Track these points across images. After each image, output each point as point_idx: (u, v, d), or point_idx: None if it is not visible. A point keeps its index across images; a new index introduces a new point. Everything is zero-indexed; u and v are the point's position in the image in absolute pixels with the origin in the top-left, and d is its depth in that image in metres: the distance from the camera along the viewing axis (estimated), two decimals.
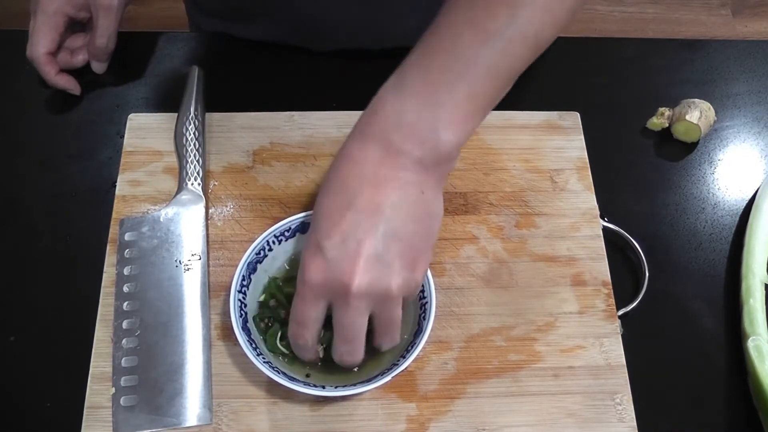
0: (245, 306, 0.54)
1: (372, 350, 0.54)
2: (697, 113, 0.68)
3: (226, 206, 0.63)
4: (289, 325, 0.51)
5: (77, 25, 0.71)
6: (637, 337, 0.59)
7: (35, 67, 0.68)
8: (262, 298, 0.56)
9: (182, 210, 0.61)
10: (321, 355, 0.53)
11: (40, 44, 0.67)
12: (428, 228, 0.49)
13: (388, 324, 0.50)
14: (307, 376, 0.53)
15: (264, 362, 0.50)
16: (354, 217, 0.47)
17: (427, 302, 0.54)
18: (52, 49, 0.68)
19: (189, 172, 0.63)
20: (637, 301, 0.60)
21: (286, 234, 0.56)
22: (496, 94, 0.49)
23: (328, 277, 0.47)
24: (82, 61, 0.70)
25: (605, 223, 0.63)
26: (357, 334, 0.49)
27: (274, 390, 0.54)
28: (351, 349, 0.49)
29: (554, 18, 0.49)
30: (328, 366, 0.53)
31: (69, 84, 0.69)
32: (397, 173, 0.47)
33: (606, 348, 0.57)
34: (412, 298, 0.52)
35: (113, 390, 0.54)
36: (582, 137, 0.68)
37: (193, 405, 0.54)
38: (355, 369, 0.53)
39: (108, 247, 0.60)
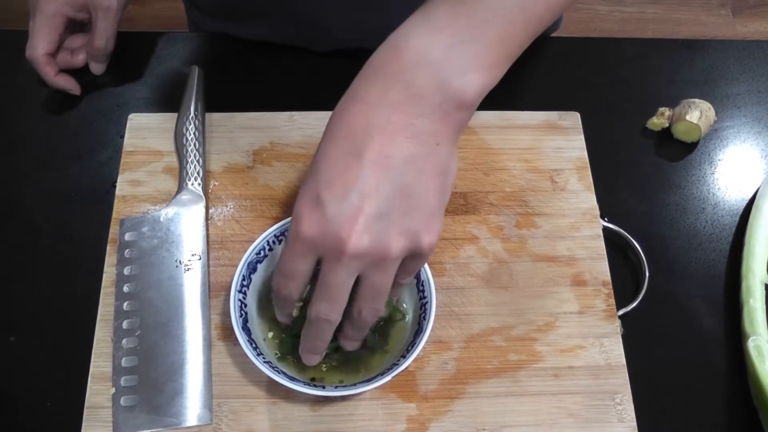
0: (245, 306, 0.54)
1: (371, 350, 0.54)
2: (697, 113, 0.68)
3: (226, 206, 0.63)
4: (274, 276, 0.48)
5: (77, 25, 0.71)
6: (637, 337, 0.59)
7: (35, 68, 0.68)
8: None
9: (182, 210, 0.61)
10: (295, 314, 0.52)
11: (39, 45, 0.67)
12: (441, 185, 0.45)
13: (376, 290, 0.46)
14: (312, 379, 0.53)
15: (264, 362, 0.50)
16: (360, 169, 0.42)
17: (427, 302, 0.54)
18: (51, 50, 0.68)
19: (189, 172, 0.63)
20: (637, 301, 0.60)
21: (286, 234, 0.56)
22: (527, 41, 0.46)
23: (324, 232, 0.43)
24: (82, 61, 0.70)
25: (605, 223, 0.63)
26: (341, 296, 0.45)
27: (274, 390, 0.54)
28: (330, 309, 0.46)
29: None
30: (333, 369, 0.53)
31: (69, 84, 0.69)
32: (412, 120, 0.43)
33: (606, 348, 0.57)
34: (420, 266, 0.48)
35: (113, 390, 0.54)
36: (582, 137, 0.68)
37: (193, 405, 0.54)
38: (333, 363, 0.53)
39: (108, 247, 0.60)
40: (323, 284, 0.45)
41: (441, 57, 0.43)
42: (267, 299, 0.55)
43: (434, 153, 0.44)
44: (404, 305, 0.56)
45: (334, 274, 0.44)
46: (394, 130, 0.43)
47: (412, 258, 0.46)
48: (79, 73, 0.70)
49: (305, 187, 0.45)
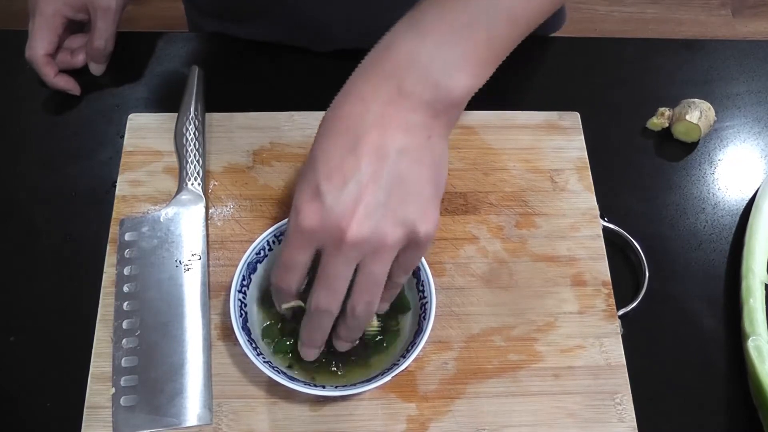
0: (245, 306, 0.54)
1: (370, 352, 0.54)
2: (697, 113, 0.68)
3: (226, 206, 0.63)
4: (274, 268, 0.49)
5: (77, 25, 0.71)
6: (637, 337, 0.59)
7: (34, 69, 0.68)
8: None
9: (182, 210, 0.61)
10: (297, 305, 0.52)
11: (39, 46, 0.67)
12: (435, 175, 0.46)
13: (369, 281, 0.46)
14: (313, 378, 0.53)
15: (264, 362, 0.50)
16: (356, 161, 0.44)
17: (427, 302, 0.54)
18: (50, 51, 0.68)
19: (189, 172, 0.63)
20: (637, 301, 0.60)
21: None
22: (513, 42, 0.48)
23: (324, 222, 0.44)
24: (82, 62, 0.70)
25: (605, 223, 0.63)
26: (341, 285, 0.46)
27: (274, 390, 0.54)
28: (330, 298, 0.46)
29: None
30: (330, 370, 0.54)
31: (68, 85, 0.69)
32: (405, 115, 0.45)
33: (606, 348, 0.57)
34: (419, 257, 0.48)
35: (113, 390, 0.54)
36: (582, 137, 0.68)
37: (193, 405, 0.54)
38: (341, 368, 0.53)
39: (108, 247, 0.60)
40: (323, 274, 0.46)
41: (428, 59, 0.45)
42: (268, 299, 0.55)
43: (427, 145, 0.46)
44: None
45: (334, 263, 0.45)
46: (387, 123, 0.45)
47: (409, 249, 0.47)
48: (79, 73, 0.70)
49: (303, 180, 0.46)
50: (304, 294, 0.50)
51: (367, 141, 0.44)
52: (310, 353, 0.51)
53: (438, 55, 0.45)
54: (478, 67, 0.46)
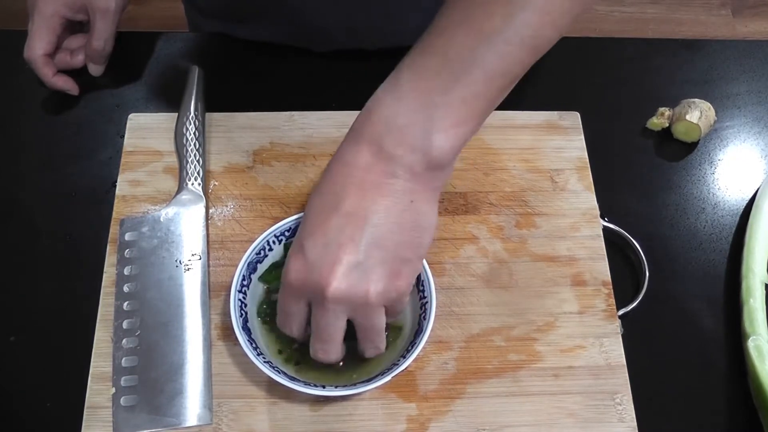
0: (245, 306, 0.54)
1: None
2: (697, 113, 0.68)
3: (226, 206, 0.63)
4: (278, 310, 0.51)
5: (76, 25, 0.71)
6: (637, 337, 0.59)
7: (33, 69, 0.68)
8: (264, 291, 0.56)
9: (182, 210, 0.61)
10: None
11: (37, 46, 0.67)
12: (415, 238, 0.48)
13: (368, 331, 0.50)
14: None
15: (264, 362, 0.50)
16: (338, 221, 0.46)
17: (427, 302, 0.54)
18: (49, 51, 0.68)
19: (189, 172, 0.63)
20: (637, 301, 0.60)
21: (286, 234, 0.56)
22: (493, 97, 0.48)
23: (306, 278, 0.47)
24: (81, 62, 0.70)
25: (605, 223, 0.63)
26: (332, 336, 0.49)
27: (274, 390, 0.54)
28: (326, 348, 0.50)
29: (553, 20, 0.47)
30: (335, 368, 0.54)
31: (67, 85, 0.69)
32: (386, 180, 0.47)
33: (606, 348, 0.57)
34: (399, 308, 0.51)
35: (113, 390, 0.54)
36: (582, 137, 0.68)
37: (193, 405, 0.54)
38: (341, 363, 0.53)
39: (108, 247, 0.60)
40: (315, 327, 0.49)
41: (406, 123, 0.46)
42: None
43: (409, 209, 0.47)
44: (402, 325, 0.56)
45: (322, 316, 0.48)
46: (369, 187, 0.47)
47: (391, 303, 0.49)
48: (79, 73, 0.70)
49: (296, 236, 0.49)
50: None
51: (348, 203, 0.46)
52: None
53: (414, 120, 0.46)
54: (455, 127, 0.47)
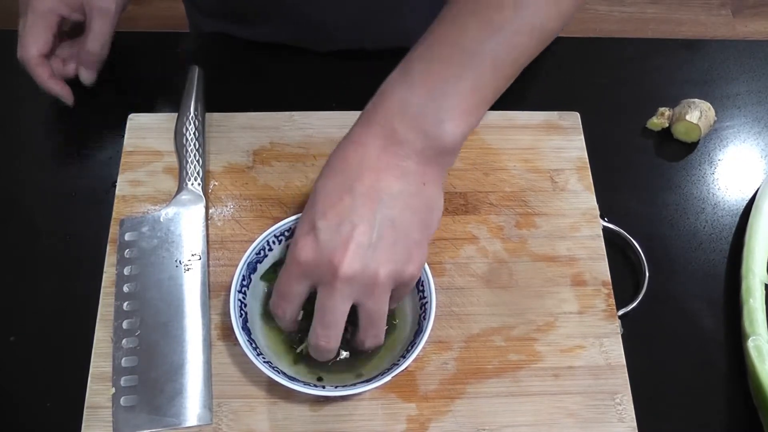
0: (245, 306, 0.54)
1: (367, 351, 0.54)
2: (697, 113, 0.68)
3: (226, 206, 0.63)
4: (273, 293, 0.51)
5: (70, 33, 0.68)
6: (637, 337, 0.59)
7: (27, 70, 0.65)
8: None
9: (182, 210, 0.61)
10: (296, 328, 0.53)
11: (32, 44, 0.63)
12: (426, 220, 0.49)
13: (372, 317, 0.49)
14: (319, 379, 0.53)
15: (264, 362, 0.50)
16: (352, 201, 0.46)
17: (427, 302, 0.54)
18: (44, 51, 0.64)
19: (189, 172, 0.63)
20: (637, 301, 0.60)
21: (286, 234, 0.56)
22: (501, 86, 0.49)
23: (318, 257, 0.46)
24: (74, 71, 0.67)
25: (605, 223, 0.63)
26: (336, 320, 0.48)
27: (274, 390, 0.54)
28: (328, 333, 0.49)
29: (559, 10, 0.49)
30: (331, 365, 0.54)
31: (63, 91, 0.66)
32: (399, 162, 0.47)
33: (606, 348, 0.57)
34: (406, 293, 0.51)
35: (113, 390, 0.54)
36: (582, 137, 0.68)
37: (193, 405, 0.54)
38: (342, 355, 0.54)
39: (108, 247, 0.60)
40: (320, 309, 0.48)
41: (418, 110, 0.47)
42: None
43: (421, 192, 0.48)
44: (397, 320, 0.56)
45: (329, 298, 0.47)
46: (383, 168, 0.47)
47: (397, 287, 0.49)
48: (76, 80, 0.69)
49: (304, 215, 0.49)
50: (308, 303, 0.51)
51: (362, 183, 0.47)
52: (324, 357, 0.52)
53: (427, 107, 0.47)
54: (466, 115, 0.48)
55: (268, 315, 0.55)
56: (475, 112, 0.49)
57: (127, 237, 0.60)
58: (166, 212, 0.61)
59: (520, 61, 0.49)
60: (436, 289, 0.54)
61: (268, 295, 0.56)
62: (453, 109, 0.47)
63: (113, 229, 0.61)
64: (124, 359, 0.55)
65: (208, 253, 0.60)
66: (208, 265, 0.60)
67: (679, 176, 0.69)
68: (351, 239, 0.46)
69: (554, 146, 0.67)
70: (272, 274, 0.56)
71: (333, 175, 0.48)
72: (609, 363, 0.57)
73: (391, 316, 0.56)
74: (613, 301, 0.60)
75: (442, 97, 0.47)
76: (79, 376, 0.55)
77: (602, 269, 0.61)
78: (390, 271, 0.47)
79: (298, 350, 0.54)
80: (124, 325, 0.56)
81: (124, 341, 0.56)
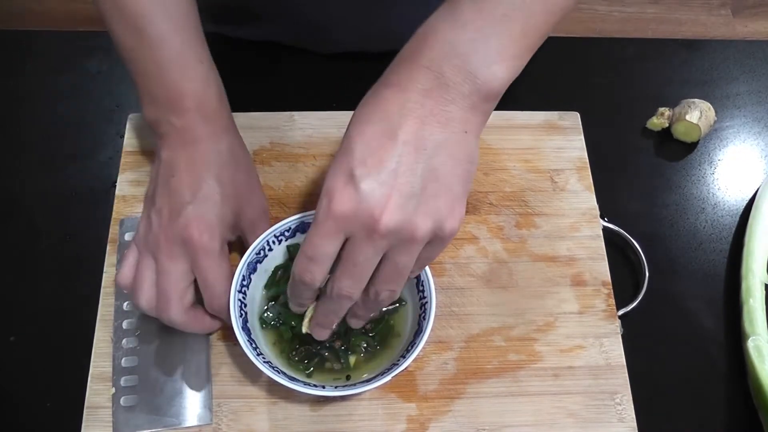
0: (245, 306, 0.54)
1: (369, 350, 0.54)
2: (697, 113, 0.68)
3: None
4: (297, 259, 0.46)
5: None
6: (637, 337, 0.59)
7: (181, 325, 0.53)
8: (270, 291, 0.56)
9: None
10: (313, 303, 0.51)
11: (224, 296, 0.53)
12: (468, 172, 0.46)
13: (400, 271, 0.46)
14: (308, 376, 0.53)
15: (264, 362, 0.50)
16: (394, 148, 0.43)
17: (427, 302, 0.54)
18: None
19: None
20: (637, 301, 0.60)
21: (286, 234, 0.56)
22: (546, 32, 0.47)
23: (357, 209, 0.43)
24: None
25: (605, 223, 0.63)
26: (366, 274, 0.46)
27: (274, 390, 0.54)
28: (353, 285, 0.46)
29: None
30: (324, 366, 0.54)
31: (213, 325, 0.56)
32: (444, 107, 0.44)
33: (606, 348, 0.57)
34: (439, 252, 0.48)
35: (113, 390, 0.54)
36: (582, 137, 0.68)
37: (193, 405, 0.54)
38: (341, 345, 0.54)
39: (108, 247, 0.60)
40: (349, 261, 0.45)
41: (467, 50, 0.44)
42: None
43: (463, 140, 0.45)
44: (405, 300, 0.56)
45: (363, 251, 0.44)
46: (427, 114, 0.44)
47: (432, 243, 0.46)
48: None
49: (337, 165, 0.44)
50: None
51: (405, 130, 0.43)
52: (322, 334, 0.51)
53: (477, 47, 0.44)
54: (514, 59, 0.46)
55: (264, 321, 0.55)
56: (521, 57, 0.46)
57: (127, 237, 0.60)
58: None
59: (566, 8, 0.47)
60: (436, 289, 0.54)
61: (266, 301, 0.56)
62: (503, 51, 0.45)
63: (113, 229, 0.61)
64: (124, 359, 0.55)
65: None
66: None
67: (679, 176, 0.69)
68: (393, 189, 0.43)
69: (554, 146, 0.67)
70: (275, 282, 0.56)
71: (372, 121, 0.44)
72: (609, 363, 0.57)
73: (391, 316, 0.56)
74: (613, 301, 0.60)
75: (493, 37, 0.44)
76: (79, 376, 0.55)
77: (602, 269, 0.61)
78: (431, 225, 0.44)
79: (299, 329, 0.53)
80: (124, 325, 0.56)
81: (124, 341, 0.56)
